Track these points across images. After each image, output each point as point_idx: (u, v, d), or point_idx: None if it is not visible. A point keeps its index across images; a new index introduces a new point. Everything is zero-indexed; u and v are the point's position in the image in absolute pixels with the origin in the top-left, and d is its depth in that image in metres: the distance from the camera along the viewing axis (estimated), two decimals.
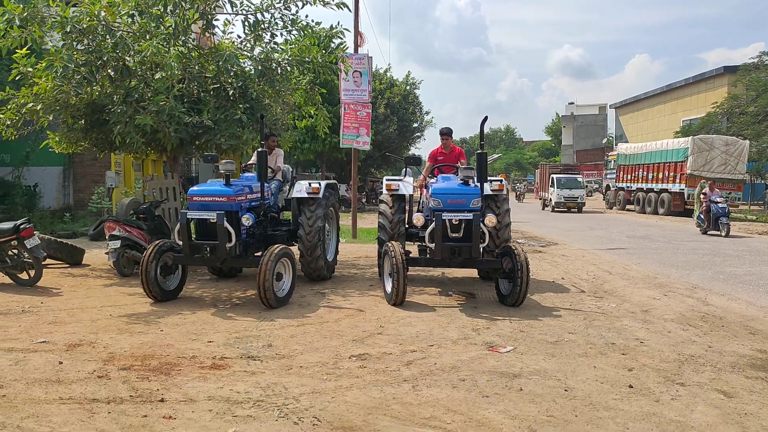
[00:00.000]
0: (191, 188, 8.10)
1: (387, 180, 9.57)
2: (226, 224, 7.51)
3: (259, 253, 8.42)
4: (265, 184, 8.66)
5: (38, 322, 6.69)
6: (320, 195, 9.09)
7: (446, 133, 9.76)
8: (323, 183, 9.37)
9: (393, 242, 7.82)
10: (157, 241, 7.88)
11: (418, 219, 8.10)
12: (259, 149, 8.38)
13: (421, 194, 9.70)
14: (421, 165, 9.69)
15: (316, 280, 9.33)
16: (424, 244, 8.27)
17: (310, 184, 9.17)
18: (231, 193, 7.85)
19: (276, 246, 7.53)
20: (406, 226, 9.24)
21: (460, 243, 7.62)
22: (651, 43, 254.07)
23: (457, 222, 7.58)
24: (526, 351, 5.74)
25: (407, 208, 9.41)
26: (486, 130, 8.35)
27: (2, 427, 3.88)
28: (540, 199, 36.59)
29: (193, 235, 7.90)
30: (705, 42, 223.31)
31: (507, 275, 7.75)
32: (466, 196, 7.72)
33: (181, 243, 7.72)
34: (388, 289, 7.77)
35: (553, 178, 32.88)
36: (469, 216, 7.52)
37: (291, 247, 8.93)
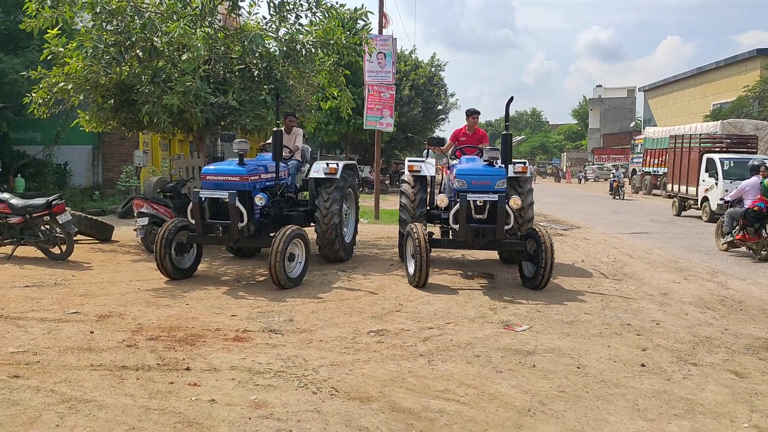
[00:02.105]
0: (205, 167, 8.10)
1: (409, 161, 9.48)
2: (238, 204, 7.47)
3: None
4: (283, 164, 8.62)
5: (70, 294, 6.96)
6: (338, 175, 8.99)
7: (475, 114, 9.60)
8: (341, 163, 9.27)
9: (416, 224, 7.80)
10: (171, 220, 7.97)
11: (441, 200, 7.98)
12: (275, 128, 8.35)
13: (443, 176, 9.65)
14: (442, 146, 9.65)
15: (332, 261, 9.29)
16: (446, 225, 8.28)
17: (327, 164, 9.06)
18: (244, 173, 7.81)
19: (288, 226, 7.50)
20: (428, 207, 9.25)
21: (484, 225, 7.57)
22: (683, 24, 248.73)
23: (481, 203, 7.49)
24: (541, 330, 5.84)
25: (429, 189, 9.38)
26: (512, 112, 8.34)
27: (37, 391, 4.10)
28: (671, 196, 21.79)
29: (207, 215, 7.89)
30: (739, 24, 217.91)
31: (530, 258, 7.71)
32: (491, 177, 7.62)
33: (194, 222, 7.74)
34: (411, 270, 7.74)
35: (713, 160, 18.40)
36: (494, 197, 7.42)
37: (309, 228, 9.02)
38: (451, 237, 8.14)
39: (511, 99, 8.05)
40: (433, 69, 36.33)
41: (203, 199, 7.69)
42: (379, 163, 17.70)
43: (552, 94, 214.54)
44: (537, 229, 7.66)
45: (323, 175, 8.98)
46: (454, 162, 8.77)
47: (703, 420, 3.88)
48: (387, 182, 33.70)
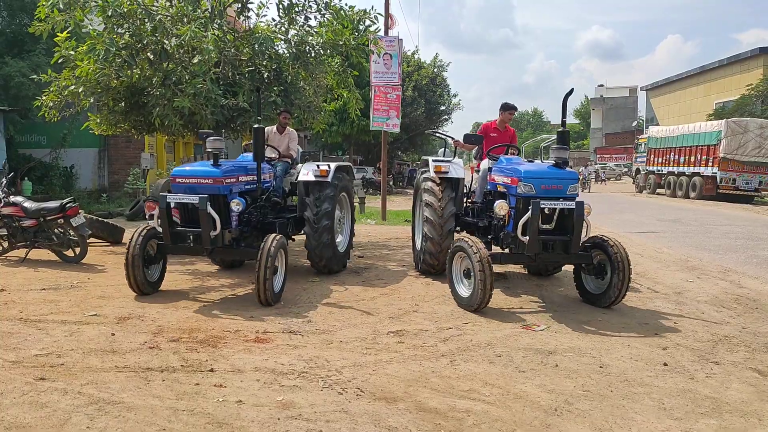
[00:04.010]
0: (175, 168, 7.31)
1: (434, 161, 8.35)
2: (210, 209, 6.60)
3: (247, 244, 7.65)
4: (269, 166, 8.09)
5: (87, 296, 6.98)
6: (329, 178, 8.14)
7: (512, 109, 8.70)
8: (333, 165, 8.40)
9: (470, 236, 6.84)
10: (141, 228, 7.11)
11: (501, 207, 6.73)
12: (256, 125, 7.56)
13: (472, 177, 8.76)
14: (482, 144, 8.52)
15: (323, 271, 8.42)
16: (485, 236, 7.43)
17: (318, 166, 8.25)
18: (218, 175, 6.95)
19: (272, 236, 6.72)
20: (456, 213, 8.17)
21: (552, 236, 6.62)
22: (683, 22, 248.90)
23: (549, 211, 6.54)
24: (559, 330, 5.85)
25: (455, 194, 8.21)
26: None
27: (64, 393, 4.12)
28: None
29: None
30: (740, 22, 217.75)
31: (596, 271, 6.81)
32: (563, 181, 6.56)
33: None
34: (464, 292, 6.66)
35: None
36: (571, 204, 6.42)
37: (297, 236, 8.74)
38: (505, 250, 7.12)
39: (571, 91, 7.08)
40: (435, 70, 36.37)
41: (172, 204, 6.88)
42: (386, 164, 17.70)
43: (553, 94, 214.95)
44: (605, 238, 6.75)
45: (313, 178, 8.17)
46: (491, 164, 7.73)
47: (731, 418, 3.89)
48: (390, 183, 33.76)
